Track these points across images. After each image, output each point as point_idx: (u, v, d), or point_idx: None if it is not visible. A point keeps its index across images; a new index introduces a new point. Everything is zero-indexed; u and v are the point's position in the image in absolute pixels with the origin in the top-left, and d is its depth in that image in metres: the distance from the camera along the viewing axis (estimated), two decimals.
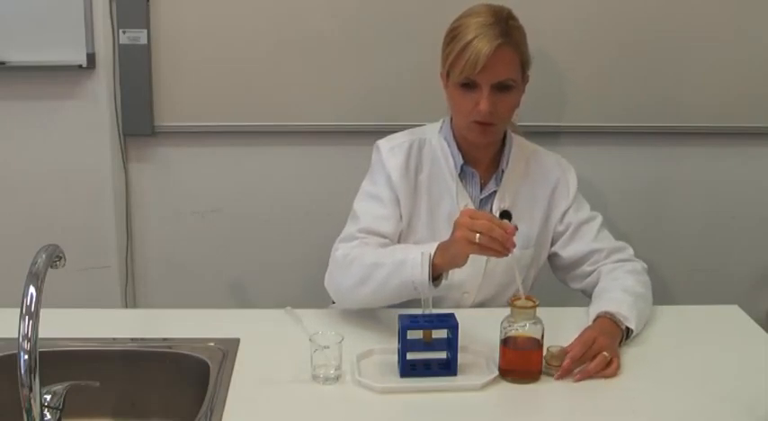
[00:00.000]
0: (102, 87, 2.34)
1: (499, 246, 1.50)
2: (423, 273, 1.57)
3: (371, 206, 1.82)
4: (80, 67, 2.29)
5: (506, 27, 1.71)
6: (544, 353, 1.53)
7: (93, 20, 2.28)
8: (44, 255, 1.30)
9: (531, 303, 1.50)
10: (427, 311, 1.56)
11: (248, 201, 2.45)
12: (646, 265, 1.86)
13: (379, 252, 1.72)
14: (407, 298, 1.64)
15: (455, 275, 1.65)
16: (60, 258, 1.33)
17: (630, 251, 1.88)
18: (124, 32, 2.28)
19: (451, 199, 1.83)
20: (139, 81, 2.31)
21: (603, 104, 2.39)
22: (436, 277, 1.60)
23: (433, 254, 1.58)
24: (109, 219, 2.44)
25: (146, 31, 2.28)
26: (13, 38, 2.26)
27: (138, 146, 2.40)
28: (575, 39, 2.33)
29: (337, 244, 1.81)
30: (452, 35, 1.75)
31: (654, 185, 2.49)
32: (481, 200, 1.85)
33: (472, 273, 1.78)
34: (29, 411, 1.25)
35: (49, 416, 1.32)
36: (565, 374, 1.52)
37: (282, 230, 2.42)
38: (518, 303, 1.50)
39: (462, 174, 1.84)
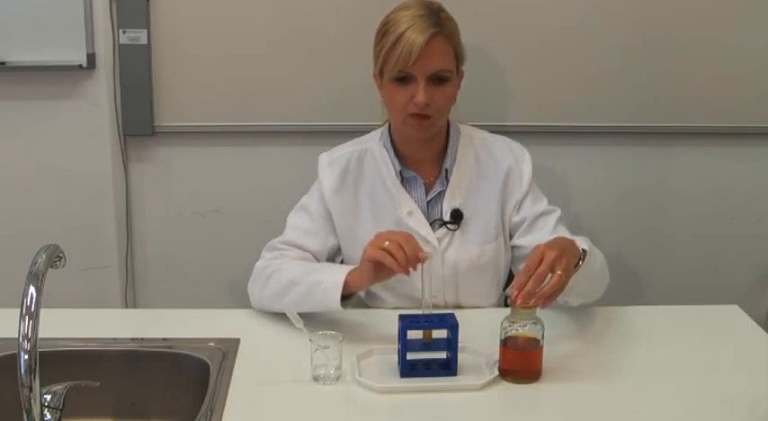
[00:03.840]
0: (102, 87, 2.34)
1: (402, 256, 1.53)
2: (334, 299, 1.63)
3: (301, 218, 1.86)
4: (80, 67, 2.29)
5: (438, 18, 1.71)
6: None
7: (93, 20, 2.27)
8: (44, 255, 1.30)
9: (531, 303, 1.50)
10: (427, 311, 1.56)
11: (248, 201, 2.45)
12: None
13: (297, 268, 1.74)
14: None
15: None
16: (60, 258, 1.34)
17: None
18: (124, 32, 2.28)
19: (395, 206, 1.81)
20: (139, 81, 2.31)
21: (603, 104, 2.38)
22: (349, 296, 1.65)
23: (345, 275, 1.63)
24: (109, 219, 2.44)
25: (146, 31, 2.27)
26: (13, 38, 2.26)
27: (138, 146, 2.40)
28: (574, 39, 2.33)
29: (263, 252, 1.86)
30: (384, 30, 1.73)
31: (653, 185, 2.49)
32: (428, 202, 1.82)
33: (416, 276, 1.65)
34: (29, 411, 1.25)
35: (49, 416, 1.32)
36: (525, 300, 1.45)
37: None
38: (518, 303, 1.50)
39: (405, 180, 1.82)
